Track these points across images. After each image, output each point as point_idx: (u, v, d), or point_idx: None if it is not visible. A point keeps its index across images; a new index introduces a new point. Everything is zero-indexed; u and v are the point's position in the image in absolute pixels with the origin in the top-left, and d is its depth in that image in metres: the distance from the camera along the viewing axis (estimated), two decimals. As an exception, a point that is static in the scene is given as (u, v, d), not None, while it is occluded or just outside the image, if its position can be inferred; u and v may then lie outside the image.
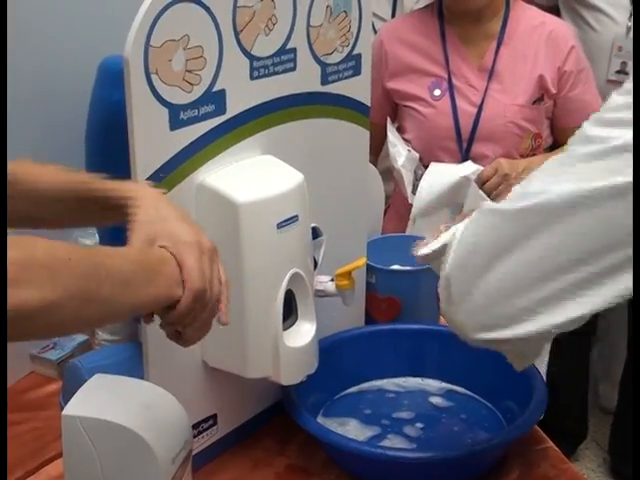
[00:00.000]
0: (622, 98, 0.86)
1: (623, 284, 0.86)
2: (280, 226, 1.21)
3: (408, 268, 1.60)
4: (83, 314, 0.83)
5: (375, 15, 2.22)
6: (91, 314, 0.84)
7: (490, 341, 0.93)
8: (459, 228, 0.98)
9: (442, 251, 1.03)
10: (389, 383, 1.51)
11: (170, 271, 0.93)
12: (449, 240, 1.01)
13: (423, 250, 1.10)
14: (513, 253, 0.89)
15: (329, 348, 1.41)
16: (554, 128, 2.12)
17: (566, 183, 0.86)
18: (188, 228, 0.98)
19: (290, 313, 1.27)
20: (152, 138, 1.14)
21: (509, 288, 0.90)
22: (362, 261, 1.38)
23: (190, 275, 0.93)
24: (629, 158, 0.82)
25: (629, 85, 0.87)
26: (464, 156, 2.02)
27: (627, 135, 0.83)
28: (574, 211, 0.85)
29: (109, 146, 1.36)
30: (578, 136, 0.89)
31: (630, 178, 0.82)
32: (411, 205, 1.98)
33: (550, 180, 0.88)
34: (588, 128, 0.88)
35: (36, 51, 1.51)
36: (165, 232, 0.96)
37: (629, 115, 0.84)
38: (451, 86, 2.03)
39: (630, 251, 0.84)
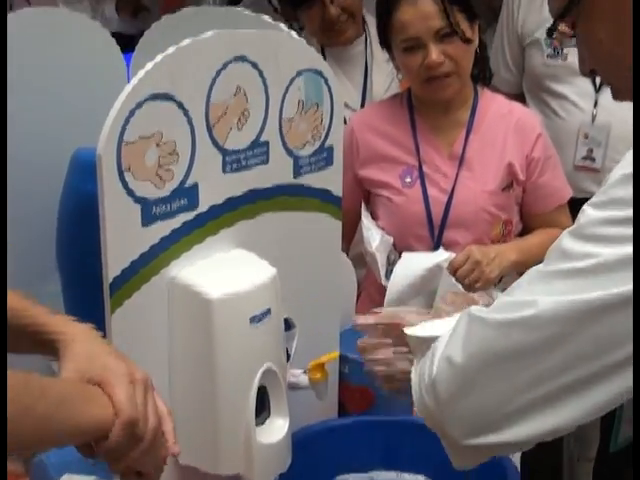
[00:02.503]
0: (599, 213, 0.89)
1: (616, 385, 0.88)
2: (253, 320, 1.20)
3: (381, 358, 1.59)
4: (18, 431, 0.81)
5: (344, 105, 2.25)
6: (26, 431, 0.83)
7: (479, 446, 0.94)
8: (444, 329, 0.99)
9: (429, 341, 1.03)
10: (363, 477, 1.49)
11: (104, 398, 0.92)
12: (433, 336, 1.02)
13: (417, 331, 1.10)
14: (507, 362, 0.91)
15: (302, 441, 1.39)
16: (524, 214, 2.13)
17: (551, 297, 0.89)
18: (118, 361, 0.97)
19: (263, 408, 1.26)
20: (124, 234, 1.14)
21: (503, 393, 0.91)
22: (335, 354, 1.37)
23: (120, 404, 0.91)
24: (610, 275, 0.86)
25: (604, 198, 0.89)
26: (436, 243, 2.02)
27: (605, 251, 0.86)
28: (563, 324, 0.88)
29: (80, 236, 1.35)
30: (557, 250, 0.92)
31: (613, 291, 0.85)
32: (384, 288, 1.97)
33: (538, 290, 0.91)
34: (566, 242, 0.91)
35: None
36: (96, 366, 0.95)
37: (606, 231, 0.87)
38: (422, 174, 2.05)
39: (624, 353, 0.86)
